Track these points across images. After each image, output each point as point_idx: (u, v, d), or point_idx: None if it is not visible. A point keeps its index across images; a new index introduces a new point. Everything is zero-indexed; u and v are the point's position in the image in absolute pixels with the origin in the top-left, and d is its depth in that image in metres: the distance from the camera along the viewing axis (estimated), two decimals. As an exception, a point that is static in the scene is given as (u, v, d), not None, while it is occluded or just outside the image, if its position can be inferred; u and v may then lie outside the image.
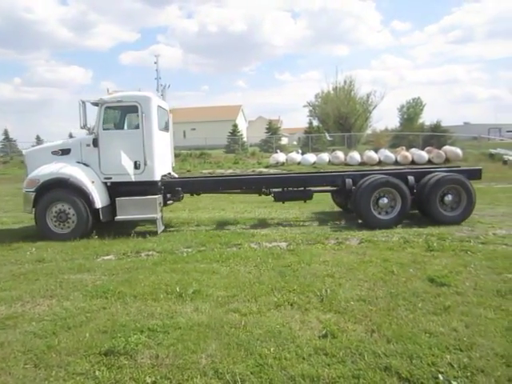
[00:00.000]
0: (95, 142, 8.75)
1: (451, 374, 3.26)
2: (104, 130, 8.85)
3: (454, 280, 5.33)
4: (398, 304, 4.65)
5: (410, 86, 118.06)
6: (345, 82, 51.74)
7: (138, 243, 7.92)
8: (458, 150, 29.59)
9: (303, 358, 3.55)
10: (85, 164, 8.83)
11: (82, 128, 8.45)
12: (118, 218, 8.66)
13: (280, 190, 9.59)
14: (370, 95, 52.04)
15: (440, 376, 3.24)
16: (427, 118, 67.49)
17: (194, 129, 61.04)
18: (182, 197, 9.61)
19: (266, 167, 30.34)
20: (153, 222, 9.13)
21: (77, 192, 8.45)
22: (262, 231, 8.83)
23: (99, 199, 8.56)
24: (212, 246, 7.55)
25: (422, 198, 9.05)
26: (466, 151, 31.12)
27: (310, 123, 52.34)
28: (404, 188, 8.87)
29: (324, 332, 3.99)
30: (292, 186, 9.63)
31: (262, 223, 9.99)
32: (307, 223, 9.88)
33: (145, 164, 8.76)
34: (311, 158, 30.67)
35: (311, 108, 67.00)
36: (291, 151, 35.54)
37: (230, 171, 29.38)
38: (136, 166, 8.77)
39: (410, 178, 9.19)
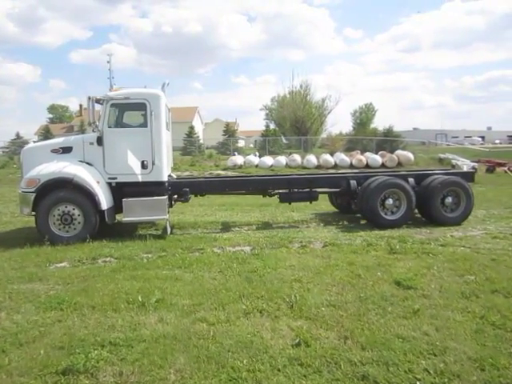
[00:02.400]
0: (99, 141, 8.30)
1: (428, 381, 3.22)
2: (109, 127, 8.41)
3: (420, 283, 5.37)
4: (368, 308, 4.60)
5: (362, 92, 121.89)
6: (301, 86, 52.44)
7: (93, 249, 7.50)
8: (410, 155, 30.66)
9: (278, 370, 3.40)
10: (88, 163, 8.35)
11: (89, 125, 8.13)
12: (126, 219, 8.29)
13: (286, 191, 9.55)
14: (326, 100, 53.05)
15: (418, 383, 3.18)
16: (379, 123, 69.74)
17: (149, 130, 59.78)
18: (190, 198, 9.31)
19: (224, 170, 30.12)
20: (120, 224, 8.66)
21: (81, 193, 8.00)
22: (224, 235, 8.62)
23: (105, 200, 8.13)
24: (173, 251, 7.26)
25: (424, 200, 9.25)
26: (417, 155, 32.32)
27: (267, 126, 52.70)
28: (409, 189, 9.09)
29: (297, 340, 3.85)
30: (298, 188, 9.60)
31: (224, 227, 9.78)
32: (269, 226, 9.77)
33: (153, 164, 8.40)
34: (268, 160, 30.74)
35: (267, 111, 67.66)
36: (248, 154, 35.53)
37: (186, 173, 28.89)
38: (143, 165, 8.39)
39: (411, 180, 9.42)
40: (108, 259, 6.92)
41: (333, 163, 29.94)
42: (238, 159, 31.34)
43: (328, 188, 10.02)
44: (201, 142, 48.24)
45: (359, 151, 32.96)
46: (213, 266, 6.34)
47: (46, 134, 49.71)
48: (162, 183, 8.65)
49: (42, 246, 7.72)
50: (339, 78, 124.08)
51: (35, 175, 8.06)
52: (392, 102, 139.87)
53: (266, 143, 41.16)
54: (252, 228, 9.56)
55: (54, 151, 8.49)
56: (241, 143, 56.35)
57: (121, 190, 8.45)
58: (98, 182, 8.16)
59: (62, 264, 6.72)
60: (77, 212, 8.09)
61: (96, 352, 3.69)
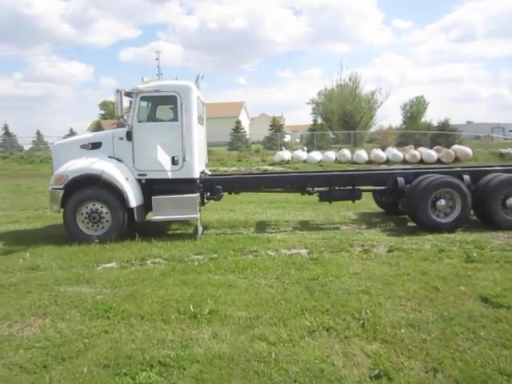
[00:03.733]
0: (129, 136, 7.98)
1: None
2: (139, 122, 8.08)
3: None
4: (455, 331, 3.91)
5: (412, 84, 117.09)
6: (350, 78, 50.92)
7: (142, 248, 7.18)
8: (468, 150, 28.88)
9: (358, 411, 2.81)
10: (117, 159, 8.06)
11: (118, 119, 7.82)
12: (155, 218, 7.91)
13: (327, 189, 8.93)
14: (376, 92, 51.25)
15: None
16: (430, 117, 66.72)
17: (197, 125, 60.25)
18: (222, 196, 8.89)
19: (271, 165, 29.58)
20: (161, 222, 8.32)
21: (110, 190, 7.72)
22: (277, 236, 8.08)
23: (134, 198, 7.79)
24: (225, 252, 6.80)
25: (481, 200, 8.33)
26: (476, 150, 30.38)
27: (315, 120, 51.64)
28: (464, 188, 8.21)
29: (376, 371, 3.25)
30: (339, 185, 8.94)
31: (277, 226, 9.24)
32: (325, 226, 9.13)
33: (183, 160, 8.00)
34: (317, 156, 29.91)
35: (314, 105, 66.39)
36: (295, 149, 34.80)
37: (233, 169, 28.68)
38: (174, 161, 8.02)
39: (466, 178, 8.50)
40: (157, 260, 6.55)
41: (384, 158, 28.63)
42: (286, 154, 30.70)
43: (372, 186, 9.29)
44: (247, 136, 47.97)
45: (412, 146, 31.44)
46: (268, 271, 5.81)
47: (97, 129, 51.00)
48: (193, 180, 8.26)
49: (90, 244, 7.49)
50: (387, 71, 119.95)
51: (63, 172, 7.86)
52: (443, 94, 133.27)
53: (314, 138, 40.22)
54: (307, 228, 8.95)
55: (84, 147, 8.26)
56: (287, 138, 55.56)
57: (151, 187, 8.10)
58: (126, 179, 7.83)
59: (110, 264, 6.42)
60: (105, 210, 7.80)
61: (144, 374, 3.26)
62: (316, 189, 8.96)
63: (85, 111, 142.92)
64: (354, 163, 28.41)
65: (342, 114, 49.34)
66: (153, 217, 7.96)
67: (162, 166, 8.01)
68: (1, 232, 9.05)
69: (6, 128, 53.15)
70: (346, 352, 3.60)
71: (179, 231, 8.91)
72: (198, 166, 8.36)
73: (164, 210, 7.87)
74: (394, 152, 29.04)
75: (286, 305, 4.60)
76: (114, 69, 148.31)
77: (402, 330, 3.93)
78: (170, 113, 8.41)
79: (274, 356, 3.53)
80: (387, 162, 28.41)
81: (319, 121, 53.71)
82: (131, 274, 5.81)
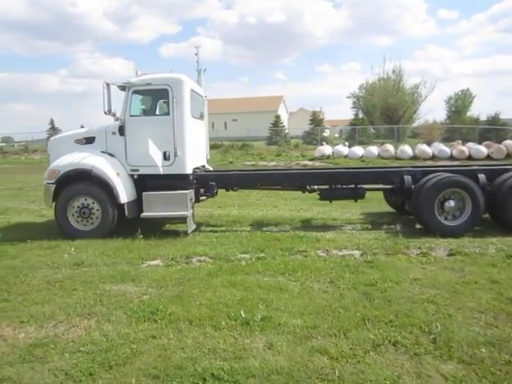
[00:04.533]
0: (121, 130, 7.80)
1: None
2: (131, 116, 7.88)
3: None
4: (544, 353, 3.42)
5: (456, 77, 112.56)
6: (393, 71, 49.23)
7: (187, 246, 6.97)
8: (522, 145, 27.27)
9: None
10: (110, 154, 7.91)
11: (105, 114, 7.46)
12: (145, 214, 7.71)
13: (327, 187, 8.45)
14: (420, 85, 49.37)
15: None
16: (476, 111, 63.79)
17: (236, 120, 60.27)
18: (216, 192, 8.55)
19: (311, 160, 29.00)
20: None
21: (100, 185, 7.59)
22: (326, 235, 7.66)
23: (124, 193, 7.63)
24: (272, 252, 6.47)
25: (496, 201, 7.62)
26: (530, 146, 28.64)
27: (356, 114, 50.47)
28: (475, 189, 7.53)
29: (459, 399, 2.84)
30: (341, 183, 8.46)
31: (324, 224, 8.83)
32: (375, 226, 8.64)
33: (175, 155, 7.74)
34: (359, 151, 29.09)
35: (355, 99, 64.90)
36: (336, 144, 34.03)
37: (273, 164, 28.32)
38: (165, 156, 7.79)
39: (481, 177, 7.80)
40: (203, 259, 6.31)
41: (430, 154, 27.47)
42: (326, 149, 30.00)
43: (377, 184, 8.74)
44: (286, 131, 47.46)
45: (460, 141, 30.04)
46: (321, 274, 5.44)
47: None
48: (185, 176, 7.98)
49: (135, 239, 7.34)
50: (430, 63, 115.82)
51: (55, 166, 7.79)
52: (489, 87, 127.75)
53: (356, 132, 39.22)
54: (356, 227, 8.49)
55: (78, 141, 8.15)
56: (326, 133, 54.62)
57: (144, 183, 7.91)
58: (117, 174, 7.65)
59: (155, 262, 6.23)
60: (95, 205, 7.69)
61: (197, 389, 2.98)
62: (317, 187, 8.53)
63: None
64: (398, 159, 27.41)
65: (385, 108, 47.83)
66: (142, 213, 7.75)
67: (154, 161, 7.78)
68: (46, 224, 9.09)
69: (52, 122, 55.10)
70: (419, 372, 3.20)
71: (223, 227, 8.65)
72: (190, 161, 8.05)
73: (154, 207, 7.68)
74: (440, 147, 27.83)
75: (344, 313, 4.22)
76: (154, 64, 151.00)
77: (482, 349, 3.48)
78: (162, 107, 8.18)
79: (337, 374, 3.17)
80: (433, 157, 27.27)
81: (360, 115, 52.46)
82: (177, 273, 5.58)
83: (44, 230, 8.51)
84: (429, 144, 29.25)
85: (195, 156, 8.43)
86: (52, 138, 9.03)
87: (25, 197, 14.13)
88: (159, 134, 7.78)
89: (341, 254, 6.44)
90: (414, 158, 27.57)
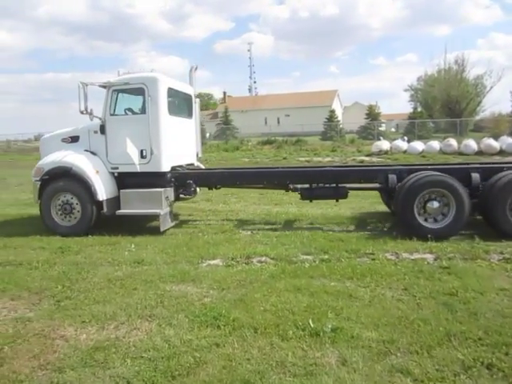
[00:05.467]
0: (102, 129, 7.92)
1: None
2: (111, 115, 7.96)
3: None
4: None
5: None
6: (456, 61, 46.72)
7: (246, 245, 6.73)
8: None
9: None
10: (92, 152, 8.04)
11: (81, 113, 7.48)
12: (120, 211, 7.82)
13: (307, 186, 8.12)
14: (485, 75, 46.49)
15: None
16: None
17: (288, 115, 59.77)
18: (195, 191, 8.49)
19: (368, 156, 28.06)
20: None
21: (80, 182, 7.71)
22: (394, 235, 7.16)
23: (103, 191, 7.71)
24: (337, 254, 6.10)
25: (487, 203, 6.94)
26: None
27: (415, 108, 48.38)
28: (460, 189, 6.85)
29: None
30: (322, 182, 8.07)
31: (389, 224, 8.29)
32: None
33: (151, 153, 7.75)
34: (419, 146, 27.74)
35: (413, 92, 62.37)
36: (394, 139, 32.73)
37: (328, 159, 27.69)
38: (142, 155, 7.82)
39: (475, 176, 7.14)
40: (263, 259, 6.04)
41: (498, 149, 25.68)
42: (384, 144, 28.90)
43: (360, 183, 8.25)
44: (341, 126, 46.40)
45: (531, 134, 27.93)
46: (392, 280, 5.01)
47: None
48: (162, 174, 7.95)
49: (193, 237, 7.23)
50: (494, 52, 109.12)
51: (41, 164, 8.04)
52: None
53: (415, 127, 37.58)
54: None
55: (64, 140, 8.33)
56: (382, 127, 52.83)
57: (123, 181, 8.00)
58: (97, 172, 7.74)
59: (215, 261, 6.04)
60: (75, 202, 7.83)
61: (267, 409, 2.70)
62: (298, 186, 8.16)
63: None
64: (462, 154, 25.89)
65: (446, 101, 45.52)
66: (118, 210, 7.82)
67: (132, 159, 7.82)
68: (106, 219, 9.17)
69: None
70: (525, 404, 2.74)
71: (282, 226, 8.34)
72: (167, 159, 7.97)
73: (130, 204, 7.76)
74: (509, 141, 25.98)
75: (424, 327, 3.80)
76: (207, 61, 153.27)
77: None
78: (139, 105, 8.15)
79: (425, 400, 2.79)
80: (501, 152, 25.52)
81: (419, 108, 50.25)
82: (238, 274, 5.35)
83: (104, 225, 8.60)
84: (496, 138, 27.42)
85: (175, 154, 8.37)
86: (42, 138, 9.26)
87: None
88: (137, 133, 7.84)
89: (412, 257, 5.94)
90: (480, 153, 25.92)
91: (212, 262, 5.99)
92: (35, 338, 3.87)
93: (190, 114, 9.27)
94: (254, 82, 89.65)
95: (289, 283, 4.97)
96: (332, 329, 3.76)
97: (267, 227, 8.19)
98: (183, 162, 8.81)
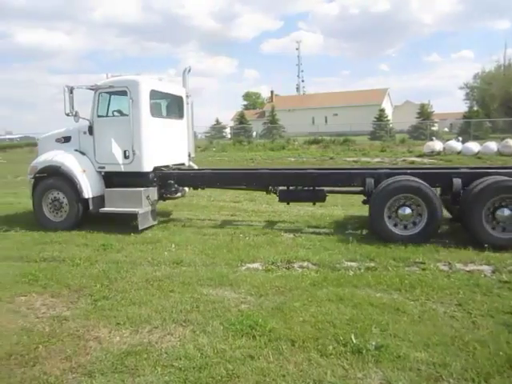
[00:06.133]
0: (90, 130, 8.26)
1: None
2: (98, 116, 8.27)
3: None
4: None
5: None
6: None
7: (288, 248, 6.49)
8: None
9: None
10: (82, 152, 8.37)
11: (67, 115, 7.81)
12: (103, 209, 8.09)
13: (285, 188, 8.05)
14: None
15: None
16: None
17: (336, 114, 58.71)
18: (175, 191, 8.60)
19: (419, 156, 26.95)
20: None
21: (68, 180, 8.07)
22: (447, 244, 6.69)
23: (89, 189, 8.04)
24: (384, 261, 5.73)
25: (465, 210, 6.57)
26: None
27: (471, 107, 46.11)
28: (431, 195, 6.60)
29: None
30: (299, 184, 7.99)
31: (443, 231, 7.75)
32: None
33: (133, 153, 7.97)
34: (474, 147, 26.30)
35: (468, 90, 59.59)
36: (448, 139, 31.29)
37: (377, 160, 26.86)
38: (125, 155, 8.08)
39: (456, 182, 6.81)
40: (305, 264, 5.78)
41: None
42: (437, 145, 27.63)
43: (338, 187, 8.06)
44: (391, 125, 44.99)
45: None
46: (445, 293, 4.61)
47: (240, 119, 52.96)
48: (144, 174, 8.15)
49: (234, 239, 7.08)
50: None
51: (35, 163, 8.47)
52: None
53: (470, 126, 35.78)
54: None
55: (58, 140, 8.67)
56: (435, 127, 50.75)
57: (110, 180, 8.33)
58: (84, 171, 8.08)
59: (255, 265, 5.84)
60: (64, 199, 8.20)
61: None
62: (278, 188, 8.10)
63: (229, 102, 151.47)
64: (522, 156, 24.35)
65: (505, 99, 43.19)
66: (101, 208, 8.08)
67: (116, 159, 8.10)
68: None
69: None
70: None
71: (326, 229, 8.03)
72: (148, 160, 8.14)
73: (113, 202, 8.00)
74: None
75: (481, 349, 3.42)
76: (256, 61, 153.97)
77: None
78: (123, 107, 8.37)
79: None
80: None
81: (475, 107, 47.87)
82: (277, 280, 5.13)
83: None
84: None
85: (160, 155, 8.48)
86: (40, 138, 9.66)
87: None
88: (120, 134, 8.05)
89: (467, 269, 5.48)
90: (544, 155, 24.27)
91: (251, 266, 5.80)
92: (69, 338, 3.84)
93: (180, 115, 9.42)
94: (302, 81, 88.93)
95: (331, 292, 4.70)
96: (376, 346, 3.47)
97: (310, 230, 7.90)
98: (170, 162, 8.92)
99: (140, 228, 7.73)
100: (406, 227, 6.77)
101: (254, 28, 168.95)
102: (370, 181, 7.18)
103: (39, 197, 8.34)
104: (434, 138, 30.80)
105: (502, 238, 6.34)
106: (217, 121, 56.37)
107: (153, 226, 8.15)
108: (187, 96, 9.50)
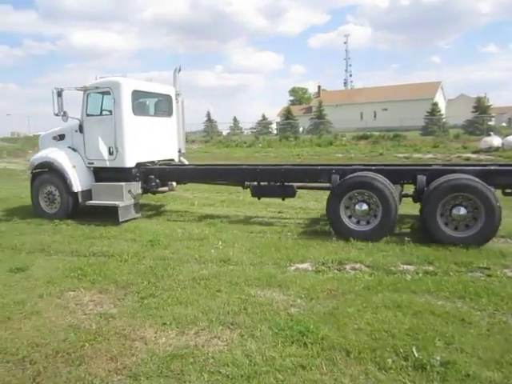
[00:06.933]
0: (81, 128, 8.81)
1: None
2: (87, 116, 8.80)
3: None
4: None
5: None
6: None
7: (339, 248, 6.20)
8: None
9: None
10: (73, 149, 8.95)
11: (55, 115, 8.27)
12: (89, 202, 8.65)
13: (256, 183, 8.13)
14: None
15: None
16: None
17: (386, 109, 57.04)
18: (156, 184, 8.83)
19: (475, 153, 25.56)
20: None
21: (59, 175, 8.65)
22: (505, 245, 6.17)
23: (78, 183, 8.59)
24: (444, 265, 5.32)
25: (422, 207, 6.54)
26: None
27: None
28: (386, 192, 6.54)
29: None
30: (268, 180, 8.11)
31: (508, 233, 7.17)
32: None
33: (116, 150, 8.46)
34: (536, 142, 24.67)
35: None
36: (507, 134, 29.50)
37: (429, 156, 25.76)
38: (110, 152, 8.59)
39: (420, 179, 6.71)
40: (358, 266, 5.47)
41: None
42: (495, 140, 26.13)
43: (305, 182, 8.15)
44: (444, 120, 43.11)
45: None
46: (516, 304, 4.18)
47: (287, 114, 52.60)
48: (127, 170, 8.61)
49: (282, 237, 6.86)
50: None
51: (33, 159, 9.28)
52: None
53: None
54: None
55: (54, 138, 9.24)
56: (492, 122, 48.14)
57: (98, 175, 8.85)
58: (74, 167, 8.60)
59: (304, 265, 5.60)
60: (57, 193, 8.80)
61: None
62: (252, 183, 8.17)
63: (275, 98, 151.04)
64: None
65: None
66: (88, 201, 8.62)
67: (102, 155, 8.60)
68: (198, 215, 9.18)
69: (208, 115, 58.96)
70: None
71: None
72: (130, 156, 8.56)
73: (99, 196, 8.53)
74: None
75: None
76: (302, 56, 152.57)
77: None
78: (107, 107, 8.75)
79: None
80: None
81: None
82: (329, 283, 4.86)
83: (193, 220, 8.61)
84: None
85: (143, 151, 8.88)
86: (40, 136, 10.19)
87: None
88: (106, 132, 8.51)
89: (539, 276, 4.99)
90: None
91: (301, 266, 5.56)
92: (115, 337, 3.76)
93: (169, 113, 9.76)
94: (350, 76, 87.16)
95: (387, 298, 4.38)
96: (441, 362, 3.14)
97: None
98: (157, 157, 9.31)
99: (120, 220, 8.15)
100: (358, 222, 6.82)
101: (300, 23, 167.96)
102: (335, 177, 7.16)
103: (36, 190, 9.04)
104: (491, 133, 29.17)
105: (459, 237, 6.18)
106: (263, 116, 56.28)
107: (135, 218, 8.61)
108: (177, 94, 9.88)
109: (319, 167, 8.16)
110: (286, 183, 7.89)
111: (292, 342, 3.54)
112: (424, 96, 53.89)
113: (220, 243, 6.66)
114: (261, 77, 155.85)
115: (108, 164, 8.65)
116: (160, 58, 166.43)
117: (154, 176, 8.81)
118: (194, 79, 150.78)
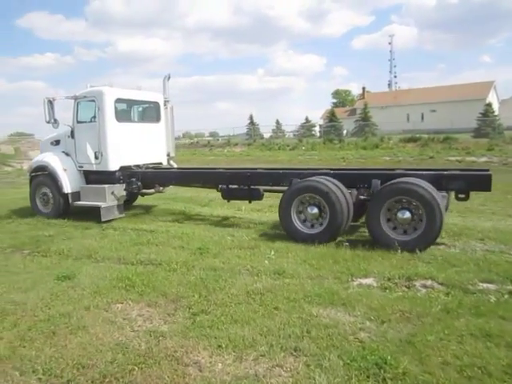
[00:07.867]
0: (72, 134, 9.44)
1: None
2: (78, 122, 9.41)
3: None
4: None
5: None
6: None
7: (404, 261, 5.62)
8: None
9: None
10: (66, 153, 9.60)
11: (47, 123, 8.96)
12: (76, 203, 9.23)
13: (225, 187, 8.42)
14: None
15: None
16: None
17: (434, 110, 54.87)
18: (138, 188, 9.27)
19: (533, 156, 23.93)
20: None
21: (52, 178, 9.30)
22: None
23: (69, 185, 9.22)
24: (531, 285, 4.66)
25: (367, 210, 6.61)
26: None
27: None
28: (331, 194, 6.60)
29: None
30: (235, 183, 8.37)
31: None
32: None
33: (101, 155, 9.04)
34: None
35: None
36: None
37: (483, 160, 24.37)
38: (96, 156, 9.15)
39: (375, 183, 6.65)
40: (429, 283, 4.88)
41: None
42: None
43: (270, 186, 8.20)
44: (499, 121, 40.85)
45: None
46: None
47: (330, 117, 51.61)
48: (111, 173, 9.18)
49: (339, 247, 6.35)
50: None
51: (32, 163, 10.15)
52: None
53: None
54: None
55: (52, 143, 9.99)
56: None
57: (87, 178, 9.46)
58: (65, 170, 9.28)
59: (368, 280, 5.07)
60: (50, 193, 9.49)
61: None
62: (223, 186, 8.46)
63: (317, 100, 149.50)
64: None
65: None
66: (76, 202, 9.23)
67: (90, 159, 9.24)
68: (246, 221, 8.82)
69: (250, 118, 58.77)
70: None
71: (444, 239, 6.97)
72: (114, 160, 9.12)
73: (86, 197, 9.14)
74: None
75: None
76: (345, 58, 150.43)
77: None
78: (94, 115, 9.24)
79: None
80: None
81: None
82: (399, 303, 4.31)
83: (241, 226, 8.24)
84: None
85: (128, 155, 9.39)
86: (41, 141, 11.04)
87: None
88: (92, 137, 9.12)
89: None
90: None
91: (364, 282, 5.04)
92: (167, 360, 3.40)
93: (157, 119, 10.26)
94: (395, 77, 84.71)
95: (472, 324, 3.79)
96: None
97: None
98: (144, 161, 9.82)
99: (102, 219, 8.67)
100: (313, 226, 6.91)
101: (343, 25, 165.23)
102: (295, 181, 7.19)
103: (34, 191, 9.80)
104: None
105: (402, 240, 6.13)
106: (306, 119, 55.57)
107: (119, 218, 9.12)
108: (166, 101, 10.33)
109: (281, 171, 8.39)
110: (252, 186, 8.08)
111: (367, 376, 3.06)
112: (476, 97, 51.41)
113: (272, 253, 6.23)
114: (303, 79, 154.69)
115: (95, 167, 9.28)
116: (203, 62, 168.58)
117: (136, 179, 9.29)
118: (235, 83, 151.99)
